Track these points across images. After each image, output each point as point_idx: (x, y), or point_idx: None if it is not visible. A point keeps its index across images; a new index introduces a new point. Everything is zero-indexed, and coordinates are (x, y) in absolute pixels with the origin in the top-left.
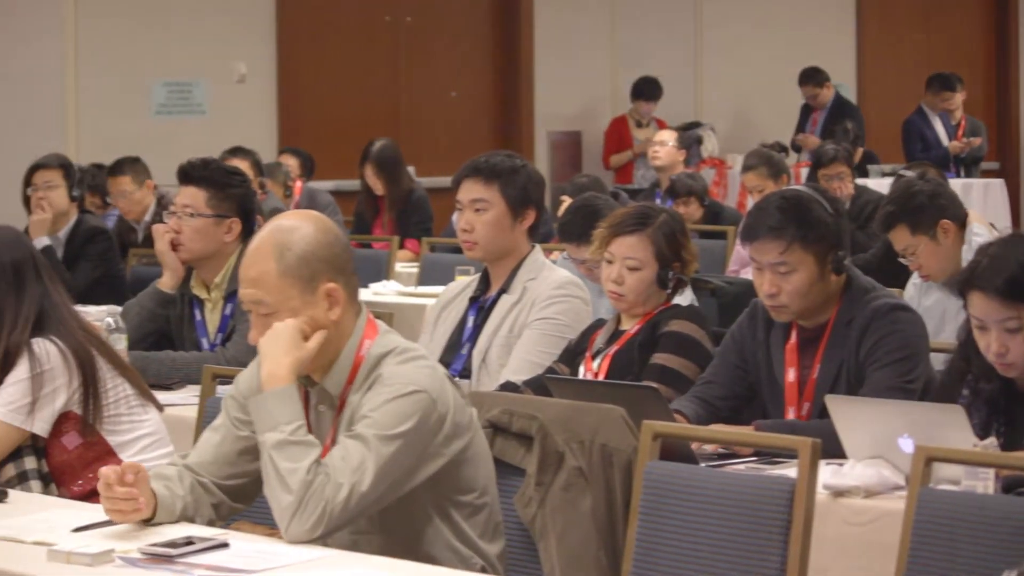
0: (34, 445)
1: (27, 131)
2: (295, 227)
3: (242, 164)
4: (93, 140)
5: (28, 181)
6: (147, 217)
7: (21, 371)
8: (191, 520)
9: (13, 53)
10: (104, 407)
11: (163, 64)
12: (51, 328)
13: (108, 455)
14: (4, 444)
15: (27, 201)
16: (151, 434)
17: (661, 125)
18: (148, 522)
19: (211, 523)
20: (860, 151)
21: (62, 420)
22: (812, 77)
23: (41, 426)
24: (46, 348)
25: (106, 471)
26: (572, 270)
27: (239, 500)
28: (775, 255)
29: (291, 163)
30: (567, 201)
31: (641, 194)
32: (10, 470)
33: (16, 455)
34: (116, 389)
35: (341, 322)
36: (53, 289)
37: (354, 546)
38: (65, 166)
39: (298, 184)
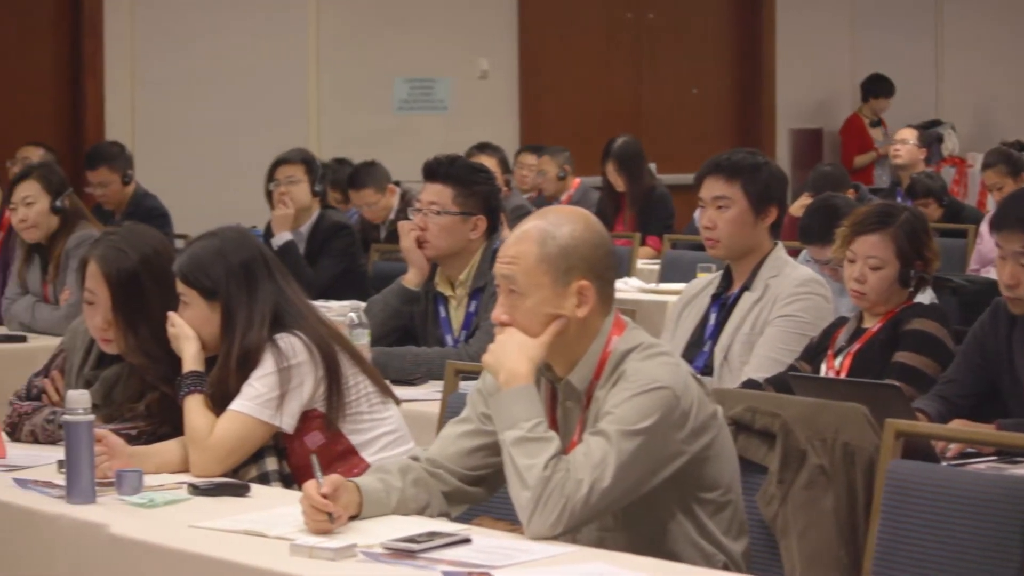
0: (275, 445)
1: (270, 126)
2: (565, 221)
3: (489, 161)
4: (335, 135)
5: (271, 176)
6: (390, 215)
7: (267, 366)
8: (419, 512)
9: (257, 49)
10: (346, 404)
11: (405, 60)
12: (291, 324)
13: (350, 454)
14: (252, 441)
15: (270, 196)
16: (392, 432)
17: (884, 125)
18: (355, 517)
19: (444, 515)
20: None
21: (305, 418)
22: None
23: (288, 422)
24: (291, 342)
25: (309, 490)
26: (814, 269)
27: (477, 486)
28: (1019, 245)
29: (529, 160)
30: (807, 198)
31: (881, 193)
32: (252, 471)
33: (258, 456)
34: (358, 386)
35: (588, 321)
36: (286, 285)
37: (600, 543)
38: (307, 161)
39: (576, 180)
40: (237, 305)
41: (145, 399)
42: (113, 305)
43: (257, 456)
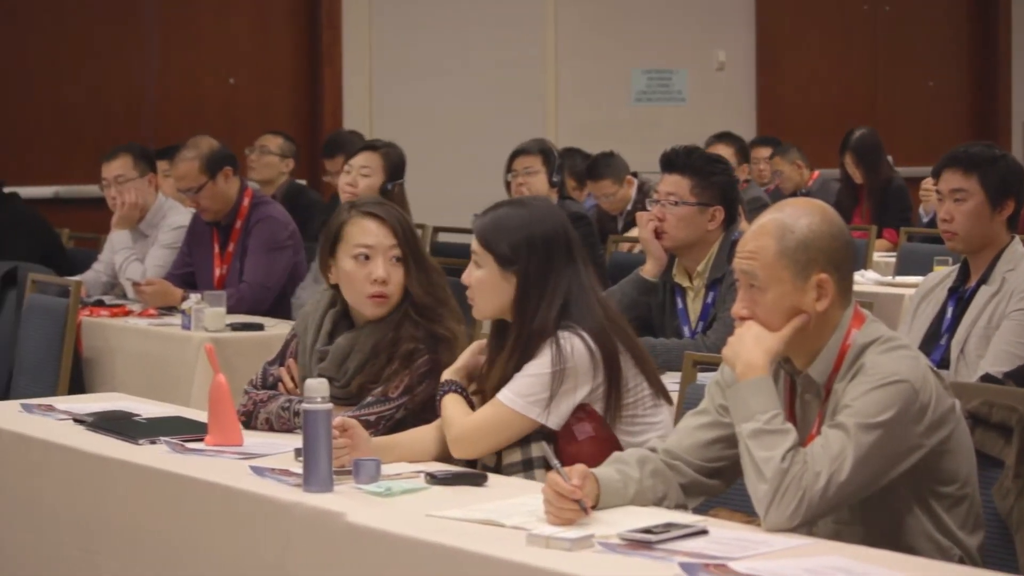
0: (542, 430)
1: (507, 117)
2: (803, 213)
3: (726, 151)
4: (572, 126)
5: (509, 166)
6: (628, 206)
7: (543, 363)
8: (656, 504)
9: (495, 40)
10: (623, 407)
11: (643, 52)
12: (578, 317)
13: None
14: (516, 432)
15: (508, 186)
16: (662, 436)
17: None
18: (593, 508)
19: (681, 506)
20: None
21: (577, 410)
22: None
23: (556, 421)
24: (573, 344)
25: (555, 479)
26: None
27: (714, 478)
28: None
29: (763, 153)
30: None
31: None
32: (515, 455)
33: (524, 441)
34: (636, 389)
35: (828, 313)
36: (584, 272)
37: (836, 536)
38: (545, 152)
39: (815, 172)
40: (533, 282)
41: (394, 363)
42: (403, 254)
43: (523, 440)
